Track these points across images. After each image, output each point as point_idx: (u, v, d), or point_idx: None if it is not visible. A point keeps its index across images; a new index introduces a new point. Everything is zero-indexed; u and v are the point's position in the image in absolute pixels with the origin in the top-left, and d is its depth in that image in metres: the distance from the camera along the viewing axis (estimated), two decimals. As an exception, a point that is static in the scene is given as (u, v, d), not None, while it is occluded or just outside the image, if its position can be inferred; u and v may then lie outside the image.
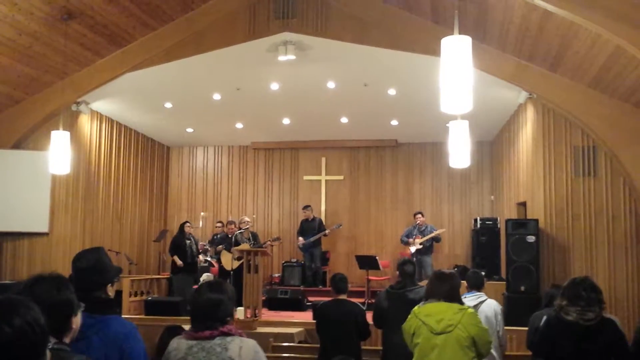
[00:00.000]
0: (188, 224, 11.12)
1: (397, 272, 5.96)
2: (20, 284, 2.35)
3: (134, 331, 2.85)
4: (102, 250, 3.15)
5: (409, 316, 4.28)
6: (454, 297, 4.21)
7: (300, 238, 12.79)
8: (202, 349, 2.93)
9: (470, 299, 5.58)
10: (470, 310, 4.20)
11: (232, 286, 3.26)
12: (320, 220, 13.10)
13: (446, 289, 4.19)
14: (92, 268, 2.94)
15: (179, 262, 10.67)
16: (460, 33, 5.01)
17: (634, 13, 6.33)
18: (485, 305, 5.62)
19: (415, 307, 4.31)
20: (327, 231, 12.72)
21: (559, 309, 4.01)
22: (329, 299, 6.27)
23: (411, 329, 4.19)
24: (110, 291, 3.06)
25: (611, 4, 6.38)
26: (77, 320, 2.39)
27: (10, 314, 1.46)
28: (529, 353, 5.68)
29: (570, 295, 3.97)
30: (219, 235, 12.18)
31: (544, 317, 4.56)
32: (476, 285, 5.85)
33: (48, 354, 1.64)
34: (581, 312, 3.89)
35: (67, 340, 2.29)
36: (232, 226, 11.37)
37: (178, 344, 3.00)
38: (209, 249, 12.15)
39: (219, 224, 12.87)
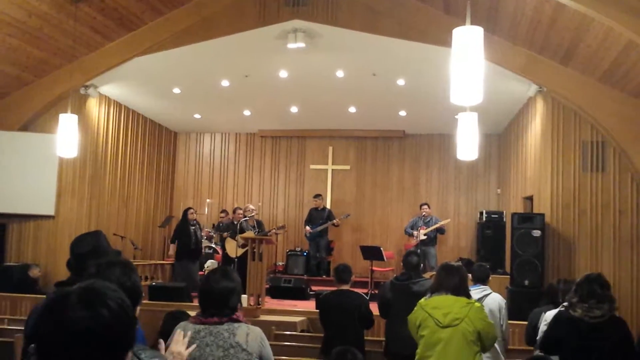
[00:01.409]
0: (192, 210, 11.13)
1: (402, 264, 5.96)
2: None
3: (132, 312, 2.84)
4: (100, 233, 3.15)
5: (415, 308, 4.27)
6: (463, 290, 4.20)
7: (307, 227, 12.78)
8: (210, 333, 2.97)
9: (475, 292, 5.57)
10: (477, 304, 4.19)
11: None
12: (330, 211, 13.08)
13: (455, 282, 4.18)
14: (91, 252, 2.93)
15: (171, 252, 10.74)
16: (471, 24, 4.96)
17: (647, 7, 6.27)
18: (489, 298, 5.61)
19: (422, 300, 4.30)
20: (336, 220, 12.70)
21: (569, 305, 4.01)
22: (333, 288, 6.27)
23: (417, 321, 4.17)
24: None
25: (625, -3, 6.32)
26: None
27: (105, 297, 1.46)
28: (531, 347, 5.68)
29: (583, 291, 3.96)
30: (223, 223, 12.20)
31: (548, 313, 4.55)
32: (481, 279, 5.84)
33: None
34: (588, 309, 3.89)
35: None
36: (239, 212, 11.36)
37: (185, 327, 3.02)
38: (214, 235, 12.18)
39: (222, 214, 12.87)
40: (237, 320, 3.00)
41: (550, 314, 4.86)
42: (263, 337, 3.02)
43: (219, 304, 3.01)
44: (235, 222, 11.05)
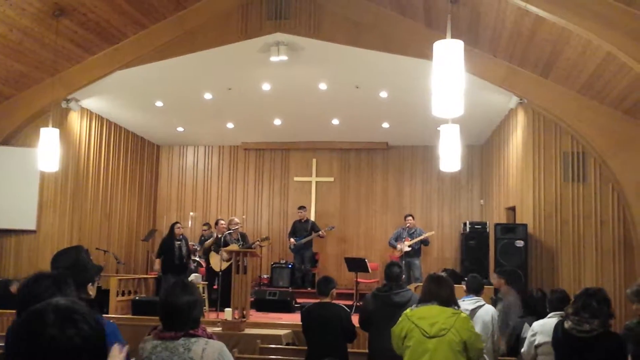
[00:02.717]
0: (178, 225, 11.03)
1: (384, 275, 5.96)
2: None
3: (115, 331, 2.83)
4: (81, 248, 3.12)
5: (400, 318, 4.26)
6: (452, 301, 4.22)
7: (292, 239, 12.76)
8: (166, 348, 2.97)
9: (468, 303, 5.59)
10: (464, 314, 4.20)
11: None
12: (313, 222, 13.08)
13: (447, 292, 4.19)
14: (71, 267, 2.91)
15: (156, 267, 10.66)
16: (452, 37, 5.02)
17: (624, 20, 6.37)
18: (482, 310, 5.62)
19: (407, 310, 4.30)
20: (321, 232, 12.69)
21: (565, 316, 4.05)
22: (318, 300, 6.25)
23: (402, 332, 4.17)
24: (91, 290, 3.03)
25: (602, 10, 6.42)
26: None
27: (82, 314, 1.48)
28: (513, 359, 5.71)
29: (578, 304, 3.98)
30: (205, 236, 12.12)
31: (539, 323, 4.58)
32: (475, 290, 5.86)
33: None
34: (578, 322, 3.90)
35: None
36: (222, 224, 11.28)
37: (145, 343, 3.05)
38: (198, 248, 12.10)
39: (205, 227, 12.78)
40: (194, 335, 2.98)
41: (536, 325, 4.88)
42: (223, 351, 2.99)
43: (179, 319, 2.99)
44: (219, 235, 10.99)
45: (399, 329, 4.22)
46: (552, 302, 5.16)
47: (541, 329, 4.75)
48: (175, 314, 2.99)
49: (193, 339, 2.96)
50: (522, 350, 5.03)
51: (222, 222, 11.37)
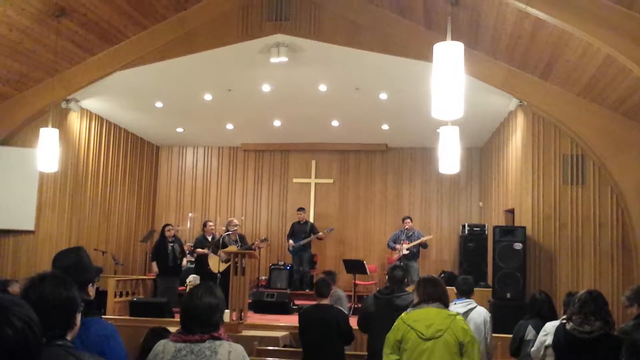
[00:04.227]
0: (169, 227, 10.97)
1: (387, 277, 5.95)
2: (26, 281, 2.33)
3: (114, 333, 2.82)
4: (82, 249, 3.12)
5: (396, 323, 4.24)
6: (447, 301, 4.23)
7: (291, 241, 12.75)
8: (191, 351, 2.90)
9: (460, 306, 5.58)
10: (460, 316, 4.20)
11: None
12: (312, 224, 13.07)
13: (441, 292, 4.20)
14: (72, 268, 2.91)
15: (155, 270, 10.64)
16: (452, 39, 5.02)
17: (624, 23, 6.38)
18: (474, 312, 5.62)
19: (403, 314, 4.29)
20: (320, 234, 12.68)
21: (568, 317, 4.05)
22: (315, 302, 6.25)
23: (398, 336, 4.15)
24: (91, 291, 3.03)
25: (602, 12, 6.43)
26: (78, 318, 2.37)
27: (8, 315, 1.43)
28: (515, 360, 5.70)
29: (580, 306, 3.99)
30: (198, 238, 12.00)
31: (553, 324, 4.58)
32: (466, 292, 5.85)
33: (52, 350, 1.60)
34: (580, 323, 3.91)
35: (69, 337, 2.28)
36: (210, 226, 11.18)
37: (165, 346, 2.96)
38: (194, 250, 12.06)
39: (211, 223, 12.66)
40: (219, 338, 2.95)
41: (549, 325, 4.88)
42: (245, 355, 2.98)
43: (202, 321, 2.95)
44: (207, 237, 10.91)
45: (394, 333, 4.19)
46: (547, 303, 5.20)
47: (553, 330, 4.76)
48: (199, 316, 2.95)
49: (218, 342, 2.93)
50: (532, 349, 5.03)
51: (210, 223, 11.29)
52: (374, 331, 5.65)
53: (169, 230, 10.84)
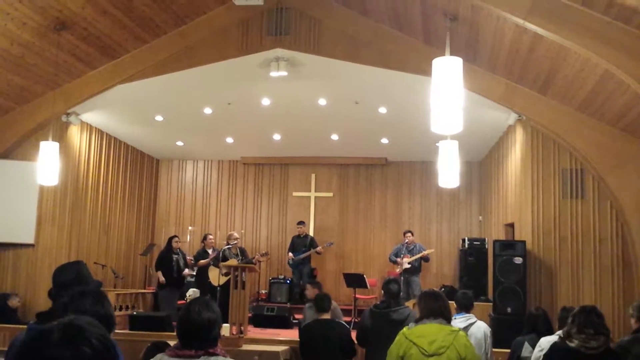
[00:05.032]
0: (176, 239, 11.01)
1: (382, 292, 5.94)
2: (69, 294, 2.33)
3: (116, 347, 2.81)
4: (82, 263, 3.13)
5: (397, 337, 4.23)
6: (449, 316, 4.21)
7: (290, 254, 12.74)
8: None
9: (460, 321, 5.56)
10: (462, 332, 4.19)
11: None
12: (312, 238, 13.06)
13: (443, 307, 4.18)
14: (73, 281, 2.91)
15: (162, 279, 10.62)
16: (451, 54, 5.05)
17: (622, 38, 6.42)
18: (475, 327, 5.60)
19: (405, 329, 4.27)
20: (319, 248, 12.67)
21: (566, 335, 4.02)
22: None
23: (400, 351, 4.14)
24: None
25: (600, 28, 6.47)
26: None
27: (86, 334, 1.45)
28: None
29: (580, 322, 3.98)
30: (199, 252, 12.04)
31: (548, 339, 4.55)
32: (465, 306, 5.83)
33: None
34: (585, 339, 3.90)
35: None
36: (210, 239, 11.21)
37: None
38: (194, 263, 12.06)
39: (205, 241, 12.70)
40: (214, 354, 2.94)
41: (544, 341, 4.85)
42: None
43: (200, 336, 2.95)
44: (207, 250, 10.93)
45: (396, 349, 4.18)
46: (542, 318, 5.21)
47: (548, 345, 4.74)
48: (195, 331, 2.94)
49: (212, 358, 2.91)
50: None
51: (210, 236, 11.32)
52: (372, 346, 5.63)
53: (175, 242, 10.85)
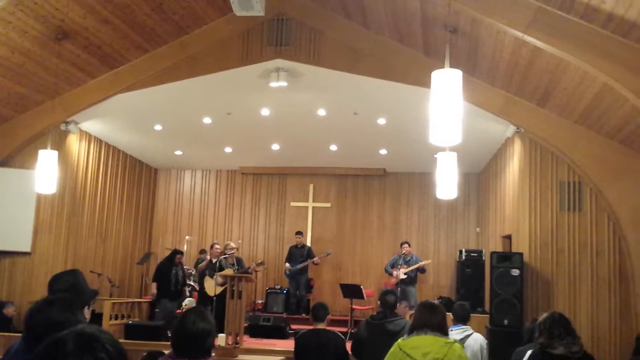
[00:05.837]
0: (179, 256, 10.96)
1: (379, 302, 5.93)
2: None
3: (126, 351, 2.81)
4: (78, 272, 3.13)
5: (392, 349, 4.22)
6: (445, 328, 4.20)
7: (287, 264, 12.72)
8: None
9: (456, 332, 5.55)
10: (457, 344, 4.18)
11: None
12: (309, 248, 13.05)
13: (439, 319, 4.17)
14: (68, 291, 2.92)
15: (154, 291, 10.61)
16: (450, 66, 5.07)
17: (621, 51, 6.45)
18: (471, 339, 5.59)
19: (400, 340, 4.26)
20: (316, 259, 12.66)
21: (545, 345, 4.03)
22: (312, 327, 6.21)
23: (394, 363, 4.13)
24: (86, 314, 3.03)
25: (599, 41, 6.51)
26: None
27: (102, 342, 1.50)
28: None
29: (559, 329, 4.02)
30: (200, 262, 12.05)
31: (528, 352, 4.55)
32: (462, 318, 5.83)
33: None
34: (567, 345, 3.93)
35: None
36: (217, 248, 11.22)
37: None
38: (193, 272, 12.05)
39: (202, 254, 12.69)
40: None
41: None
42: None
43: (193, 346, 2.95)
44: (214, 260, 10.93)
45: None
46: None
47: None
48: (190, 342, 2.93)
49: None
50: None
51: (217, 246, 11.31)
52: (367, 357, 5.61)
53: (179, 258, 10.86)
